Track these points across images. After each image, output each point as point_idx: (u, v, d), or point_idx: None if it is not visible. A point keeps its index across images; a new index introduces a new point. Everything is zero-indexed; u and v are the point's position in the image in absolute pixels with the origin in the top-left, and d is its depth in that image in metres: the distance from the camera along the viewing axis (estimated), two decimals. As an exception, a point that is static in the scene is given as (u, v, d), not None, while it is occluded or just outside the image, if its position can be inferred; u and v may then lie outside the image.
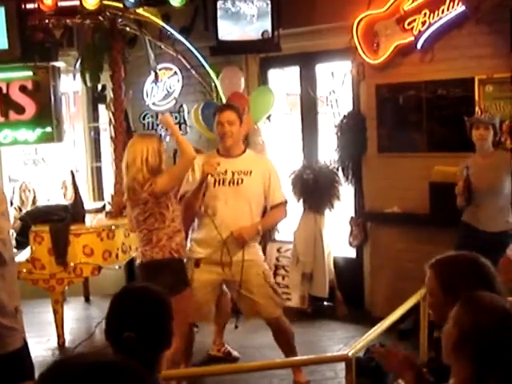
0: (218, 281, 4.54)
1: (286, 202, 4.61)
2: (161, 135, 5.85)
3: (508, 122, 5.22)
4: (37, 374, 3.09)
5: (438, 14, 5.43)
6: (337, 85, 6.54)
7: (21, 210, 7.07)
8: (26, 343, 3.00)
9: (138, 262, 4.36)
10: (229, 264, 4.39)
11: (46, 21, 5.97)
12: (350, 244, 6.37)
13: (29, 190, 7.42)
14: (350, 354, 3.19)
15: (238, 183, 4.37)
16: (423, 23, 5.51)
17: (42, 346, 5.60)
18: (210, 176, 4.33)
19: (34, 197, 7.44)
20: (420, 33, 5.54)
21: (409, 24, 5.58)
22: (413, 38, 5.59)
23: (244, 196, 4.38)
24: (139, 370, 1.25)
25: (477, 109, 5.35)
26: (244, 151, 4.53)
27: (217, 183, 4.36)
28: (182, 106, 6.93)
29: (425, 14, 5.48)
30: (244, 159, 4.47)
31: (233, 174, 4.38)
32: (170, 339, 2.26)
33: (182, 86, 6.83)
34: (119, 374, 1.21)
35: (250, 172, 4.40)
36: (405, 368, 2.30)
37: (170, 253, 4.17)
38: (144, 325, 2.17)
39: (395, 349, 2.40)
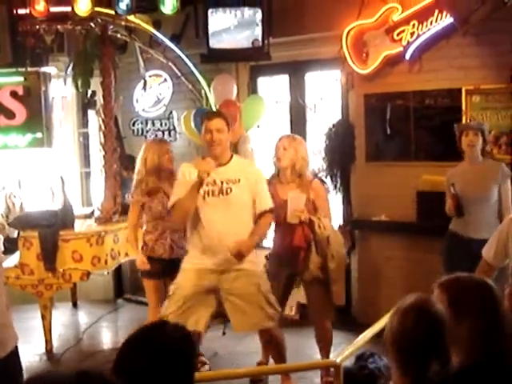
0: (210, 287, 4.49)
1: (271, 209, 4.52)
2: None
3: (494, 131, 5.29)
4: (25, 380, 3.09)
5: (426, 26, 5.51)
6: (324, 93, 6.59)
7: (7, 218, 7.02)
8: (16, 347, 3.01)
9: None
10: (223, 272, 4.38)
11: (38, 26, 6.00)
12: (338, 251, 6.38)
13: (14, 196, 7.38)
14: (338, 361, 3.25)
15: (227, 193, 4.34)
16: (412, 34, 5.59)
17: (29, 352, 5.57)
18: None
19: (21, 203, 7.39)
20: (409, 43, 5.62)
21: (398, 35, 5.65)
22: (401, 49, 5.66)
23: (234, 205, 4.36)
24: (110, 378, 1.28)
25: (463, 119, 5.43)
26: (231, 158, 4.49)
27: (206, 194, 4.32)
28: (171, 112, 6.97)
29: (413, 25, 5.56)
30: (232, 167, 4.43)
31: (221, 183, 4.34)
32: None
33: (172, 93, 6.87)
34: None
35: (239, 180, 4.37)
36: None
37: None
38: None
39: None
